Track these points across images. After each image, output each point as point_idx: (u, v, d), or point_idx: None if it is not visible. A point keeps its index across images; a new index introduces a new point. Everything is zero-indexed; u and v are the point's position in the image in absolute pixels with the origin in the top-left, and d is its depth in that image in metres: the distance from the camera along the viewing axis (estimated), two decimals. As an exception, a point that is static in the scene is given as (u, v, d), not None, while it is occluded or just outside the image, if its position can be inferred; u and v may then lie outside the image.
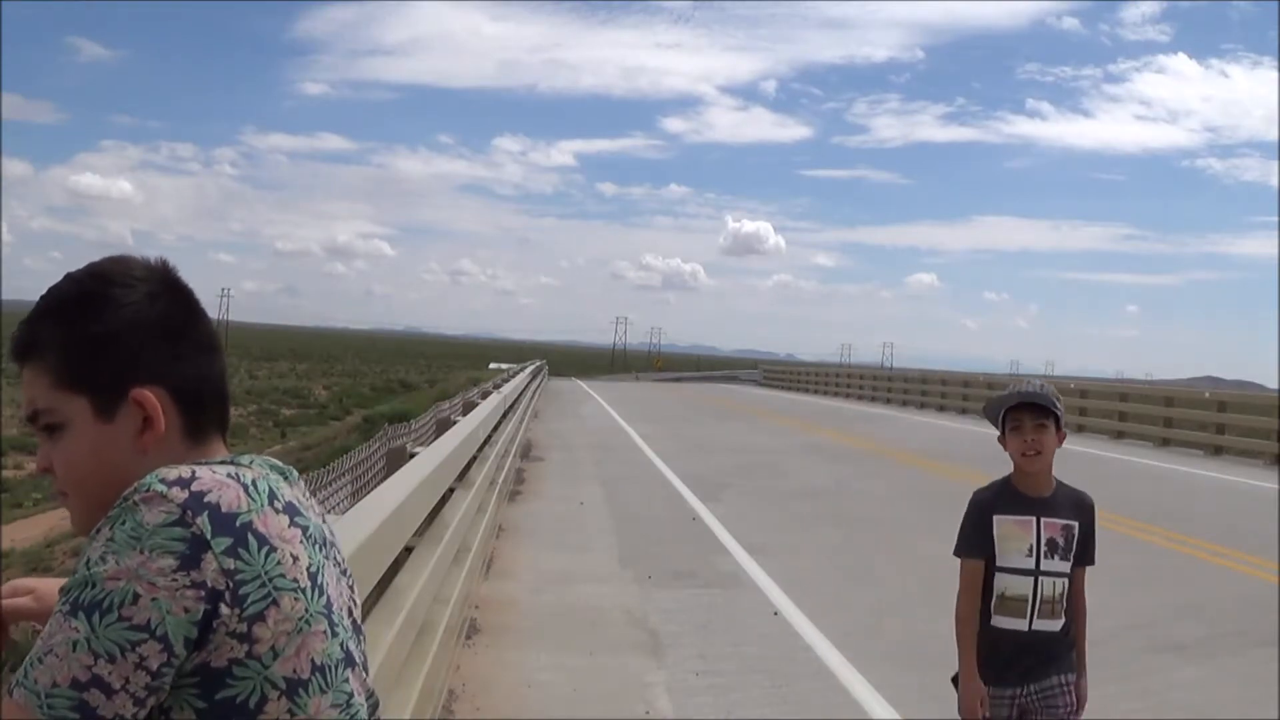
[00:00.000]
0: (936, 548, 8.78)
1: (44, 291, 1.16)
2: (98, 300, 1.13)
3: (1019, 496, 2.88)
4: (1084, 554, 2.90)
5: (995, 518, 2.86)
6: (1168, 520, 10.31)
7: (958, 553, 2.93)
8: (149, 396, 1.12)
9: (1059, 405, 2.86)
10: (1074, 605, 2.90)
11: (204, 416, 1.17)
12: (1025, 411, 2.84)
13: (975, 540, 2.89)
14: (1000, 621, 2.84)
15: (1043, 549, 2.83)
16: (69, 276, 1.16)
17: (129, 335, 1.12)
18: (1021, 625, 2.82)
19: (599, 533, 9.18)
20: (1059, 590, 2.84)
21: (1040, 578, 2.82)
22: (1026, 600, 2.82)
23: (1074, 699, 2.88)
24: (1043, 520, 2.85)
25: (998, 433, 2.93)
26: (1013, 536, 2.84)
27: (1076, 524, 2.87)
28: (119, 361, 1.12)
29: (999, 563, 2.84)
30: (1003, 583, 2.84)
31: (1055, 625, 2.84)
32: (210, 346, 1.19)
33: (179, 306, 1.17)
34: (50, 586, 1.22)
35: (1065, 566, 2.85)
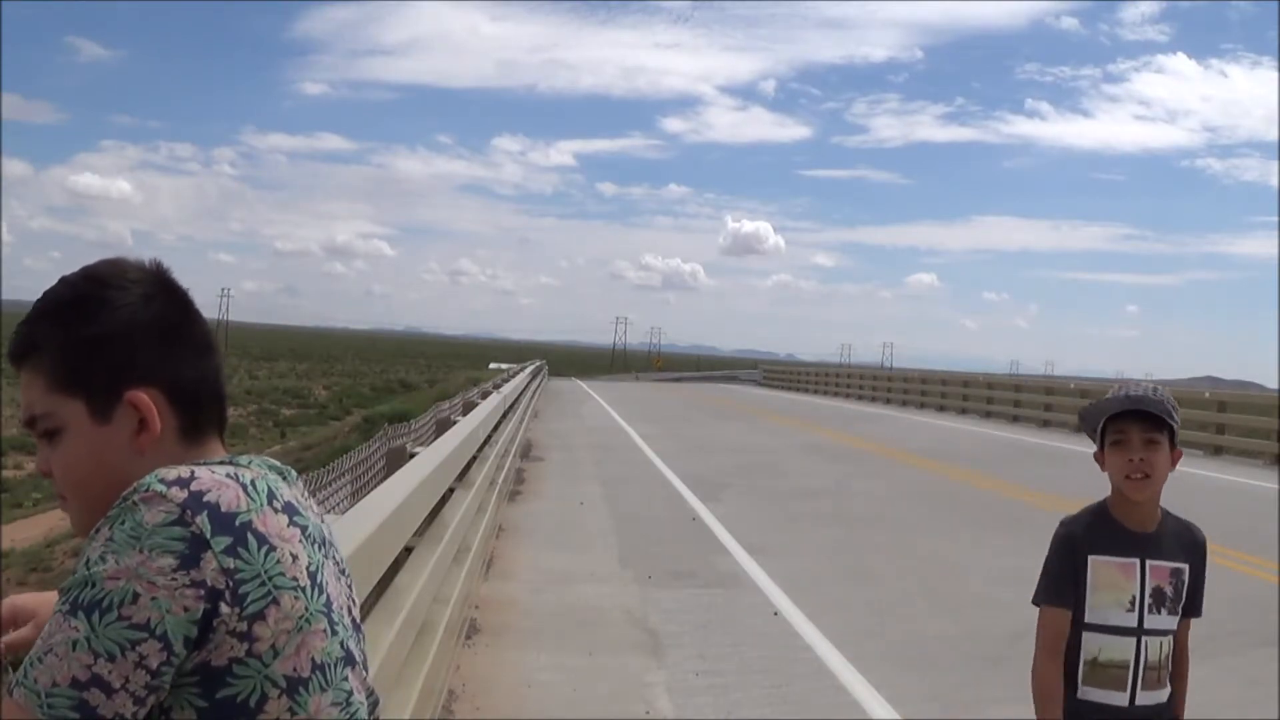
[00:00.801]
0: (936, 547, 8.85)
1: (40, 295, 1.16)
2: (92, 303, 1.13)
3: (1119, 531, 2.28)
4: (1192, 603, 2.32)
5: (1091, 559, 2.26)
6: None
7: (1039, 600, 2.33)
8: (143, 398, 1.12)
9: (1175, 415, 2.28)
10: (1177, 667, 2.32)
11: (200, 417, 1.17)
12: (1133, 421, 2.24)
13: (1063, 584, 2.28)
14: (1093, 694, 2.25)
15: (1147, 600, 2.25)
16: (63, 280, 1.16)
17: (124, 337, 1.12)
18: (1121, 699, 2.23)
19: (599, 533, 9.18)
20: (1165, 653, 2.26)
21: (1144, 638, 2.24)
22: (1127, 667, 2.23)
23: None
24: (1148, 563, 2.26)
25: (1095, 448, 2.34)
26: (1112, 584, 2.25)
27: (1187, 567, 2.29)
28: (114, 364, 1.12)
29: (1090, 618, 2.25)
30: (1095, 644, 2.24)
31: (1161, 696, 2.27)
32: (205, 347, 1.19)
33: (173, 307, 1.17)
34: (51, 607, 1.22)
35: (1172, 623, 2.27)
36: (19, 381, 1.17)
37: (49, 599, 1.22)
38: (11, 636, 1.21)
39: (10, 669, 1.08)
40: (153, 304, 1.15)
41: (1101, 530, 2.29)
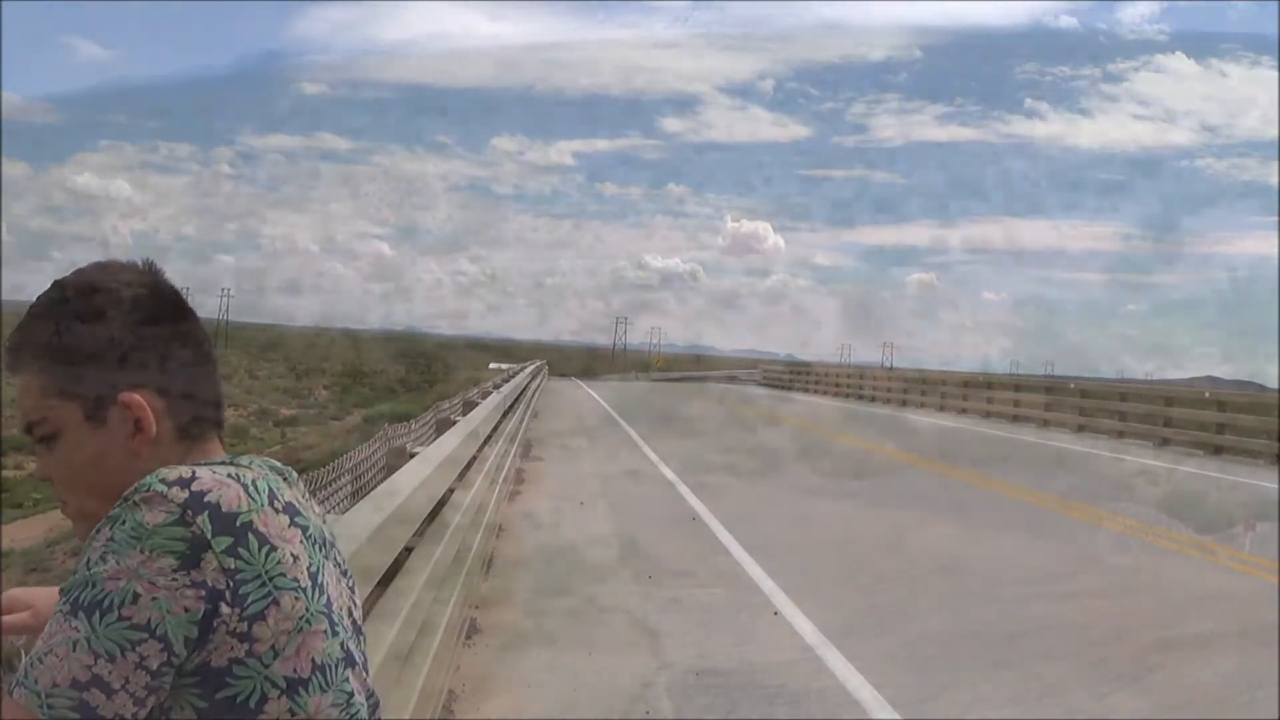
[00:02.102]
0: (936, 547, 8.84)
1: (33, 299, 1.16)
2: (83, 306, 1.13)
3: None
4: None
5: None
6: (1168, 520, 10.33)
7: None
8: (137, 399, 1.12)
9: None
10: None
11: (197, 417, 1.16)
12: None
13: None
14: None
15: None
16: (56, 284, 1.16)
17: (116, 339, 1.12)
18: None
19: (599, 532, 9.18)
20: None
21: None
22: None
23: None
24: None
25: None
26: None
27: None
28: (107, 366, 1.12)
29: None
30: None
31: None
32: (199, 346, 1.19)
33: (165, 307, 1.17)
34: (48, 599, 1.22)
35: None
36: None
37: (48, 593, 1.22)
38: (7, 619, 1.21)
39: (10, 669, 1.08)
40: (144, 305, 1.14)
41: None
